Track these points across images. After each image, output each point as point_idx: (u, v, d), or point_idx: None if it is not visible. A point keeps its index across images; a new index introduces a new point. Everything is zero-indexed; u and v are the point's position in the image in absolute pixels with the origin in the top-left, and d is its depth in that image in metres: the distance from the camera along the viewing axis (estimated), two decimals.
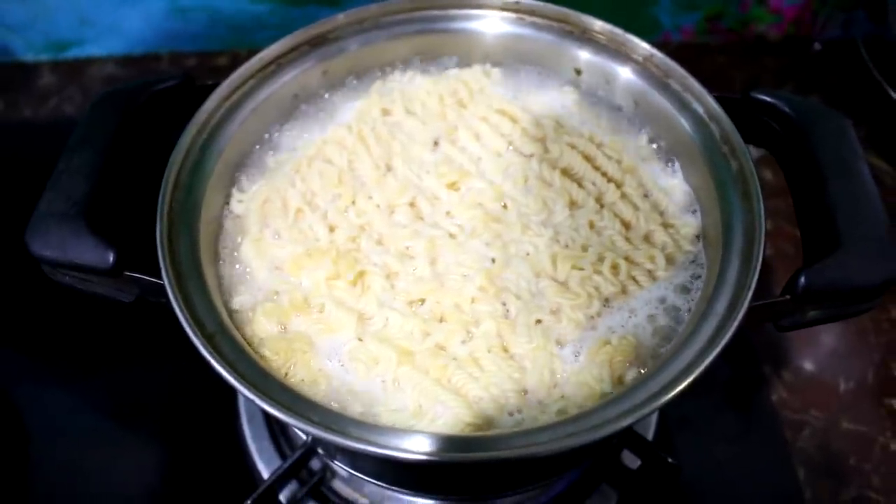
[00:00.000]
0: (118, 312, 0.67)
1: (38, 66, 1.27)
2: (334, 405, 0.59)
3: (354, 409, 0.59)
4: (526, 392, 0.60)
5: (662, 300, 0.65)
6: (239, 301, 0.65)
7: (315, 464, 0.82)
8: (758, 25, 1.26)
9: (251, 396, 0.52)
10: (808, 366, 0.95)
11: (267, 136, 0.76)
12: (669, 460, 0.75)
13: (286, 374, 0.60)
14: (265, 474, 0.82)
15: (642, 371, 0.61)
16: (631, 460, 0.82)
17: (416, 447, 0.51)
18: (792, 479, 0.86)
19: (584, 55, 0.78)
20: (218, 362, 0.54)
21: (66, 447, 0.87)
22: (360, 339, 0.63)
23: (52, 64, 1.27)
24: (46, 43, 1.25)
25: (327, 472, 0.82)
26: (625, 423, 0.53)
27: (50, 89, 1.25)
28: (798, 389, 0.93)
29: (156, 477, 0.86)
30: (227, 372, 0.54)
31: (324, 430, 0.52)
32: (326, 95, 0.80)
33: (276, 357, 0.61)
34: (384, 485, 0.74)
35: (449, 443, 0.52)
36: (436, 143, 0.75)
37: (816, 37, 1.28)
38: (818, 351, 0.97)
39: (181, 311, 0.57)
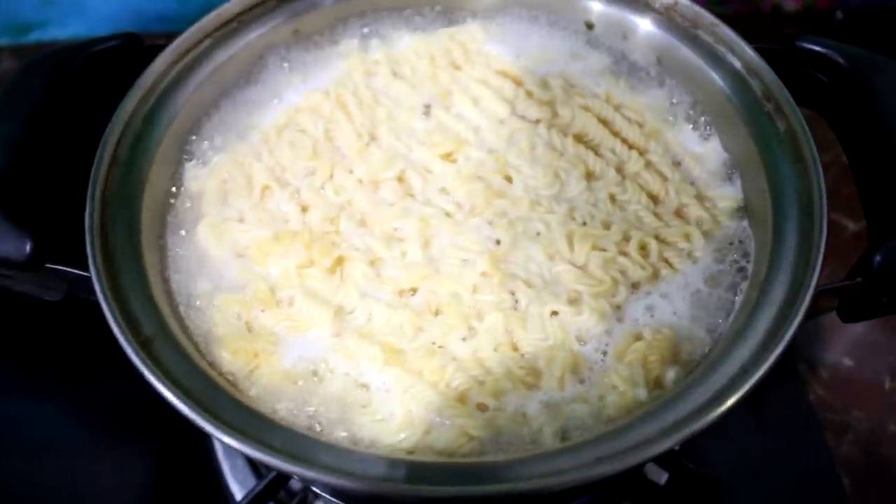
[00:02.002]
0: (72, 311, 0.58)
1: None
2: (303, 420, 0.50)
3: (329, 421, 0.51)
4: (541, 400, 0.51)
5: (703, 285, 0.56)
6: (191, 294, 0.56)
7: (295, 483, 0.74)
8: None
9: (193, 417, 0.43)
10: (847, 361, 0.88)
11: (227, 103, 0.67)
12: (705, 473, 0.66)
13: (247, 379, 0.52)
14: (238, 496, 0.76)
15: (682, 372, 0.51)
16: (656, 473, 0.73)
17: (402, 479, 0.42)
18: (837, 489, 0.79)
19: (597, 6, 0.70)
20: (153, 373, 0.45)
21: (25, 459, 0.81)
22: (339, 336, 0.54)
23: (12, 48, 1.20)
24: (6, 26, 1.19)
25: (309, 494, 0.73)
26: (669, 443, 0.44)
27: (10, 75, 1.17)
28: (838, 388, 0.86)
29: (119, 499, 0.79)
30: (164, 385, 0.44)
31: (286, 460, 0.42)
32: (298, 56, 0.70)
33: (235, 359, 0.52)
34: None
35: (449, 473, 0.42)
36: (427, 110, 0.67)
37: (838, 5, 1.19)
38: (857, 345, 0.89)
39: (110, 309, 0.48)
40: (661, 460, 0.71)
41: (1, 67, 1.17)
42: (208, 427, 0.43)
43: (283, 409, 0.50)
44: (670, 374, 0.51)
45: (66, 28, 1.19)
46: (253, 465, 0.77)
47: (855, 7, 1.19)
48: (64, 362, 0.87)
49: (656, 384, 0.51)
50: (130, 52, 0.64)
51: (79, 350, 0.87)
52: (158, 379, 0.45)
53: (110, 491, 0.79)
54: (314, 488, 0.70)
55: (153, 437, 0.81)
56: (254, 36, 0.68)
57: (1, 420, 0.83)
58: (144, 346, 0.47)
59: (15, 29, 1.18)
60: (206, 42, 0.65)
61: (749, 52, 0.62)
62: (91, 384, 0.85)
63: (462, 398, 0.50)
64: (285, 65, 0.70)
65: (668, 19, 0.67)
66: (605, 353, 0.53)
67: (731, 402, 0.45)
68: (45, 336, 0.88)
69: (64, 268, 0.51)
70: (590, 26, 0.70)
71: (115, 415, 0.83)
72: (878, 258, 0.49)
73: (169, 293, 0.55)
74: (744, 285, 0.55)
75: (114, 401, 0.83)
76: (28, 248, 0.50)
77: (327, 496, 0.69)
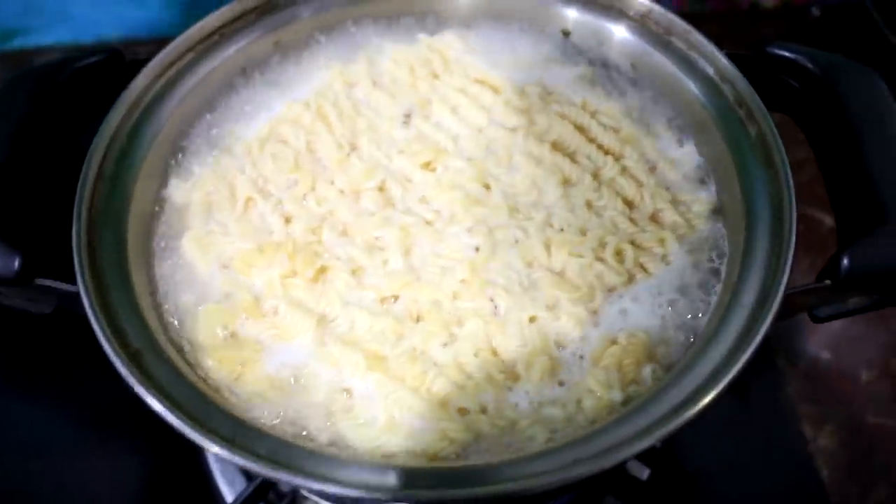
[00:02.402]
0: (62, 316, 0.57)
1: None
2: (288, 426, 0.51)
3: (313, 427, 0.51)
4: (520, 404, 0.52)
5: (677, 289, 0.56)
6: (178, 306, 0.56)
7: (284, 485, 0.74)
8: None
9: (182, 427, 0.43)
10: (825, 354, 0.89)
11: (210, 116, 0.67)
12: (685, 468, 0.67)
13: (233, 387, 0.53)
14: (229, 498, 0.76)
15: (657, 374, 0.52)
16: (638, 469, 0.74)
17: (390, 484, 0.43)
18: (815, 481, 0.80)
19: (572, 13, 0.70)
20: (143, 386, 0.45)
21: (13, 461, 0.81)
22: (322, 344, 0.55)
23: None
24: None
25: (298, 496, 0.74)
26: (643, 444, 0.45)
27: None
28: (816, 381, 0.87)
29: (109, 501, 0.79)
30: (155, 398, 0.45)
31: (272, 467, 0.43)
32: (279, 68, 0.71)
33: (220, 367, 0.53)
34: None
35: (430, 477, 0.43)
36: (407, 119, 0.67)
37: (814, 2, 1.19)
38: (835, 338, 0.90)
39: (99, 324, 0.48)
40: (643, 456, 0.72)
41: None
42: (198, 439, 0.44)
43: (268, 415, 0.51)
44: (645, 377, 0.52)
45: (50, 35, 1.18)
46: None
47: (831, 4, 1.20)
48: (53, 364, 0.87)
49: (631, 386, 0.52)
50: (113, 67, 0.64)
51: (67, 352, 0.85)
52: (149, 391, 0.45)
53: (101, 493, 0.79)
54: (303, 491, 0.71)
55: (144, 438, 0.81)
56: (235, 49, 0.68)
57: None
58: (134, 359, 0.47)
59: None
60: (189, 56, 0.65)
61: (721, 58, 0.62)
62: (80, 386, 0.85)
63: (443, 403, 0.51)
64: (267, 77, 0.70)
65: (642, 26, 0.67)
66: (581, 356, 0.54)
67: (703, 403, 0.46)
68: (33, 338, 0.87)
69: (53, 283, 0.51)
70: (566, 34, 0.71)
71: (105, 417, 0.83)
72: (845, 261, 0.50)
73: (156, 305, 0.55)
74: (717, 287, 0.56)
75: (104, 403, 0.82)
76: (17, 264, 0.50)
77: (315, 498, 0.70)
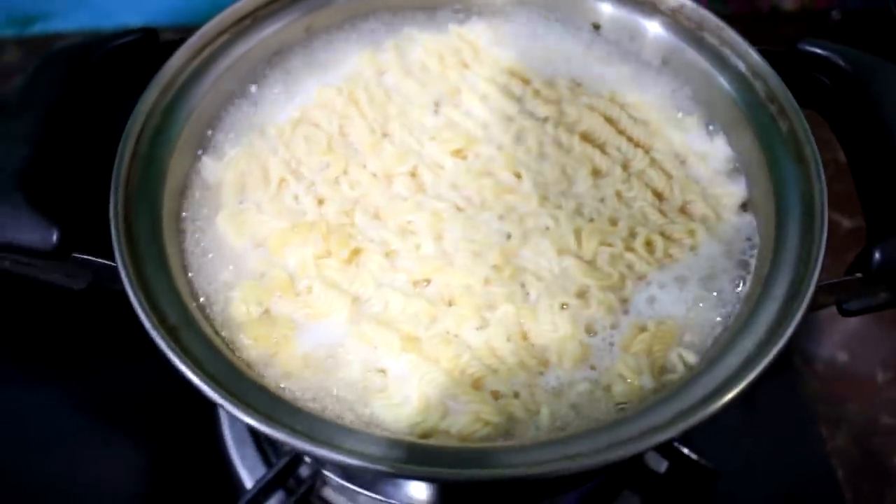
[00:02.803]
0: (79, 301, 0.58)
1: (2, 42, 1.18)
2: (322, 403, 0.51)
3: (347, 405, 0.52)
4: (552, 389, 0.52)
5: (706, 279, 0.57)
6: (211, 284, 0.56)
7: (304, 471, 0.74)
8: None
9: (221, 401, 0.44)
10: (842, 355, 0.89)
11: (243, 98, 0.67)
12: (704, 463, 0.67)
13: (268, 365, 0.53)
14: (248, 484, 0.76)
15: (687, 361, 0.52)
16: (656, 462, 0.74)
17: (428, 462, 0.43)
18: (831, 480, 0.80)
19: (606, 7, 0.70)
20: (182, 360, 0.46)
21: (26, 451, 0.80)
22: (356, 323, 0.55)
23: (16, 40, 1.18)
24: (10, 19, 1.17)
25: (317, 481, 0.74)
26: (674, 431, 0.45)
27: (14, 67, 1.16)
28: (832, 381, 0.87)
29: (127, 488, 0.79)
30: (193, 372, 0.45)
31: (310, 442, 0.44)
32: (312, 52, 0.71)
33: (256, 344, 0.53)
34: (382, 498, 0.66)
35: (466, 457, 0.44)
36: (437, 107, 0.67)
37: (835, 5, 1.19)
38: (851, 339, 0.90)
39: (137, 298, 0.48)
40: (661, 449, 0.72)
41: (5, 58, 1.16)
42: (234, 409, 0.44)
43: (302, 393, 0.51)
44: (674, 363, 0.52)
45: (71, 20, 1.18)
46: (263, 453, 0.78)
47: (852, 8, 1.20)
48: (65, 352, 0.86)
49: (661, 372, 0.52)
50: (147, 47, 0.64)
51: (81, 339, 0.87)
52: (188, 367, 0.45)
53: (118, 481, 0.79)
54: (325, 472, 0.71)
55: (161, 426, 0.81)
56: (268, 32, 0.68)
57: (17, 410, 0.83)
58: (171, 334, 0.48)
59: (19, 21, 1.17)
60: (223, 38, 0.65)
61: (753, 54, 0.62)
62: (94, 374, 0.85)
63: (477, 385, 0.51)
64: (299, 61, 0.70)
65: (674, 21, 0.67)
66: (612, 343, 0.54)
67: (734, 392, 0.46)
68: (44, 327, 0.87)
69: (90, 257, 0.52)
70: (597, 27, 0.71)
71: (121, 405, 0.83)
72: (877, 255, 0.50)
73: (190, 282, 0.55)
74: (747, 279, 0.56)
75: (119, 391, 0.83)
76: (55, 237, 0.50)
77: (336, 479, 0.70)
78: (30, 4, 1.16)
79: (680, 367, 0.51)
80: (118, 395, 0.84)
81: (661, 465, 0.73)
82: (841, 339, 0.90)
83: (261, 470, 0.76)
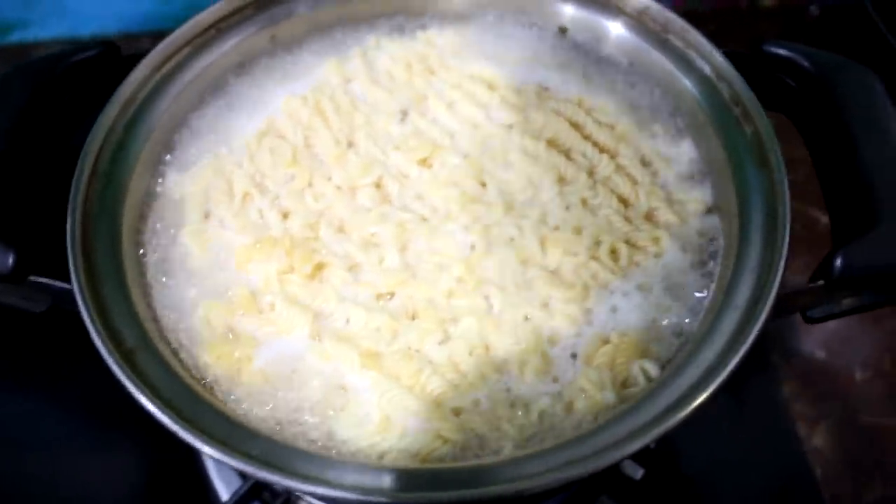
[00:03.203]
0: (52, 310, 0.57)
1: None
2: (283, 423, 0.51)
3: (307, 425, 0.51)
4: (514, 403, 0.52)
5: (670, 288, 0.56)
6: (173, 302, 0.56)
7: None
8: None
9: (175, 428, 0.43)
10: (820, 354, 0.88)
11: (207, 111, 0.67)
12: (679, 469, 0.67)
13: (229, 383, 0.53)
14: (224, 496, 0.75)
15: (649, 373, 0.52)
16: (632, 469, 0.74)
17: (385, 486, 0.43)
18: (809, 479, 0.79)
19: (569, 10, 0.70)
20: (137, 387, 0.45)
21: (7, 457, 0.80)
22: (317, 340, 0.54)
23: None
24: None
25: (292, 494, 0.73)
26: (637, 445, 0.45)
27: None
28: (810, 380, 0.86)
29: (104, 498, 0.79)
30: (146, 396, 0.44)
31: (264, 468, 0.43)
32: (276, 63, 0.70)
33: (219, 364, 0.53)
34: None
35: (424, 479, 0.43)
36: (403, 115, 0.67)
37: (813, 1, 1.19)
38: (829, 337, 0.89)
39: (93, 324, 0.48)
40: (637, 456, 0.71)
41: None
42: (191, 439, 0.44)
43: (262, 411, 0.51)
44: (637, 374, 0.52)
45: (48, 29, 1.17)
46: None
47: (830, 4, 1.19)
48: (48, 360, 0.86)
49: (623, 385, 0.52)
50: (109, 61, 0.64)
51: (63, 348, 0.81)
52: (141, 391, 0.45)
53: (96, 489, 0.78)
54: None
55: (139, 435, 0.79)
56: (232, 43, 0.67)
57: None
58: (127, 358, 0.47)
59: None
60: (185, 50, 0.65)
61: (718, 57, 0.62)
62: (76, 382, 0.84)
63: (438, 402, 0.51)
64: (263, 72, 0.69)
65: (639, 23, 0.67)
66: (574, 355, 0.54)
67: (696, 403, 0.46)
68: (28, 335, 0.85)
69: (47, 280, 0.51)
70: (563, 31, 0.71)
71: (101, 414, 0.82)
72: (838, 262, 0.50)
73: (150, 302, 0.55)
74: (710, 287, 0.55)
75: (100, 399, 0.79)
76: (11, 261, 0.50)
77: (309, 498, 0.69)
78: (7, 13, 1.15)
79: (641, 380, 0.51)
80: (95, 406, 0.83)
81: (637, 473, 0.73)
82: (819, 338, 0.89)
83: (237, 482, 0.75)
